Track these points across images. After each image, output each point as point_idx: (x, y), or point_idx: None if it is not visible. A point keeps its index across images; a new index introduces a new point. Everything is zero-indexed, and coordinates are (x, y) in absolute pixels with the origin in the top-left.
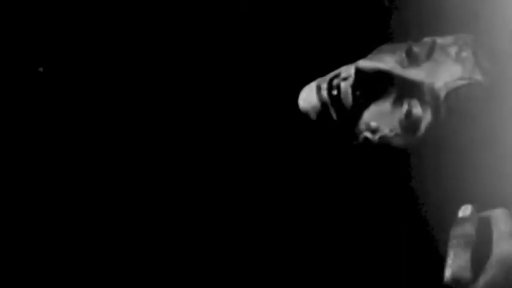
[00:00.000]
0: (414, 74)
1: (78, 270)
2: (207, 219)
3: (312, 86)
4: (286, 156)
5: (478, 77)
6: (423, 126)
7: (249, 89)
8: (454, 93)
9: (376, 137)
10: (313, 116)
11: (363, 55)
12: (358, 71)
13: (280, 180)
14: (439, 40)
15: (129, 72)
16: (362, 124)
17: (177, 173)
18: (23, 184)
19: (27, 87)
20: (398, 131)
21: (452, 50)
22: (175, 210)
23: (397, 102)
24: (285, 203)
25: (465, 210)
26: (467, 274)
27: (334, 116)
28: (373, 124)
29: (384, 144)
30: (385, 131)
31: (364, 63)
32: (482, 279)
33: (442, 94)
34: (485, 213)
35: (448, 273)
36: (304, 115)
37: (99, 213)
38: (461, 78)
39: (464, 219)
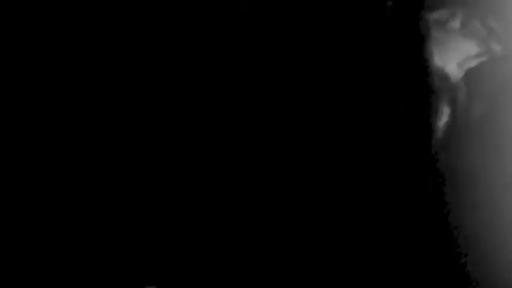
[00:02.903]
0: None
1: (77, 269)
2: (207, 219)
3: None
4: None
5: (497, 48)
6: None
7: (249, 89)
8: (475, 73)
9: None
10: None
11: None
12: None
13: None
14: (429, 16)
15: (129, 72)
16: None
17: (176, 172)
18: (23, 184)
19: (27, 87)
20: None
21: (455, 24)
22: (174, 210)
23: None
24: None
25: None
26: None
27: None
28: None
29: None
30: None
31: None
32: None
33: (458, 77)
34: None
35: None
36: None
37: (98, 213)
38: (478, 55)
39: None
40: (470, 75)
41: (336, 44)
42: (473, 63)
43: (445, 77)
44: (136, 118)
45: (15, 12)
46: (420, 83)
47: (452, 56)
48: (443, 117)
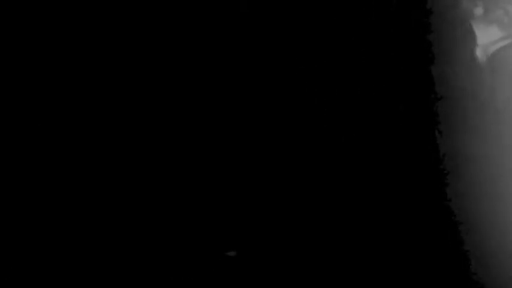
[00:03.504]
0: None
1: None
2: (207, 219)
3: None
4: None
5: None
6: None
7: (249, 89)
8: (499, 57)
9: None
10: None
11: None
12: None
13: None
14: (455, 5)
15: (129, 73)
16: None
17: (176, 172)
18: (23, 184)
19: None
20: None
21: (478, 11)
22: (174, 209)
23: None
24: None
25: None
26: None
27: None
28: None
29: None
30: None
31: None
32: None
33: (483, 61)
34: None
35: None
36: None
37: (97, 213)
38: (502, 39)
39: None
40: (494, 58)
41: (340, 39)
42: (496, 47)
43: (471, 61)
44: (136, 118)
45: (15, 12)
46: (426, 73)
47: (477, 41)
48: (470, 101)
